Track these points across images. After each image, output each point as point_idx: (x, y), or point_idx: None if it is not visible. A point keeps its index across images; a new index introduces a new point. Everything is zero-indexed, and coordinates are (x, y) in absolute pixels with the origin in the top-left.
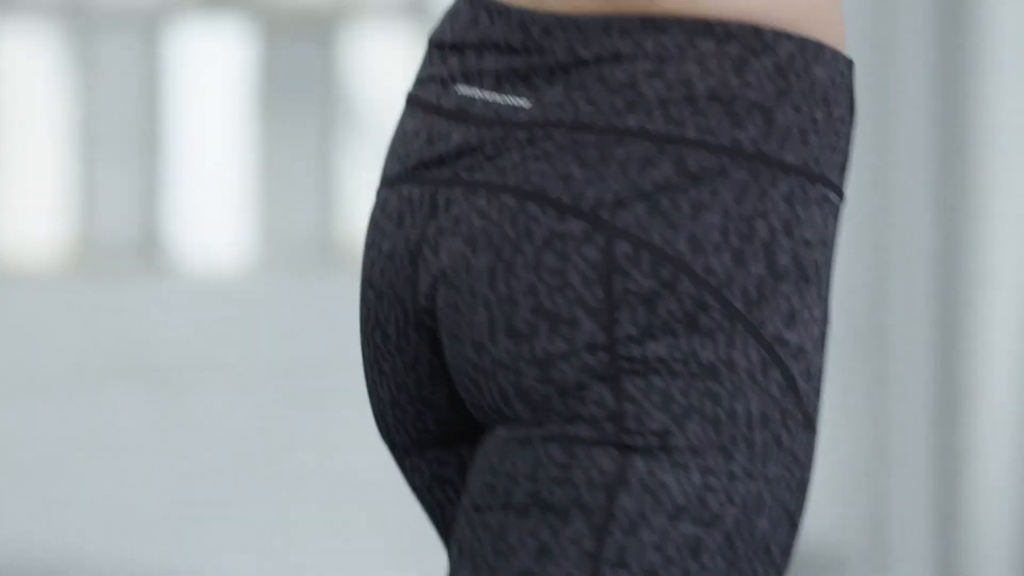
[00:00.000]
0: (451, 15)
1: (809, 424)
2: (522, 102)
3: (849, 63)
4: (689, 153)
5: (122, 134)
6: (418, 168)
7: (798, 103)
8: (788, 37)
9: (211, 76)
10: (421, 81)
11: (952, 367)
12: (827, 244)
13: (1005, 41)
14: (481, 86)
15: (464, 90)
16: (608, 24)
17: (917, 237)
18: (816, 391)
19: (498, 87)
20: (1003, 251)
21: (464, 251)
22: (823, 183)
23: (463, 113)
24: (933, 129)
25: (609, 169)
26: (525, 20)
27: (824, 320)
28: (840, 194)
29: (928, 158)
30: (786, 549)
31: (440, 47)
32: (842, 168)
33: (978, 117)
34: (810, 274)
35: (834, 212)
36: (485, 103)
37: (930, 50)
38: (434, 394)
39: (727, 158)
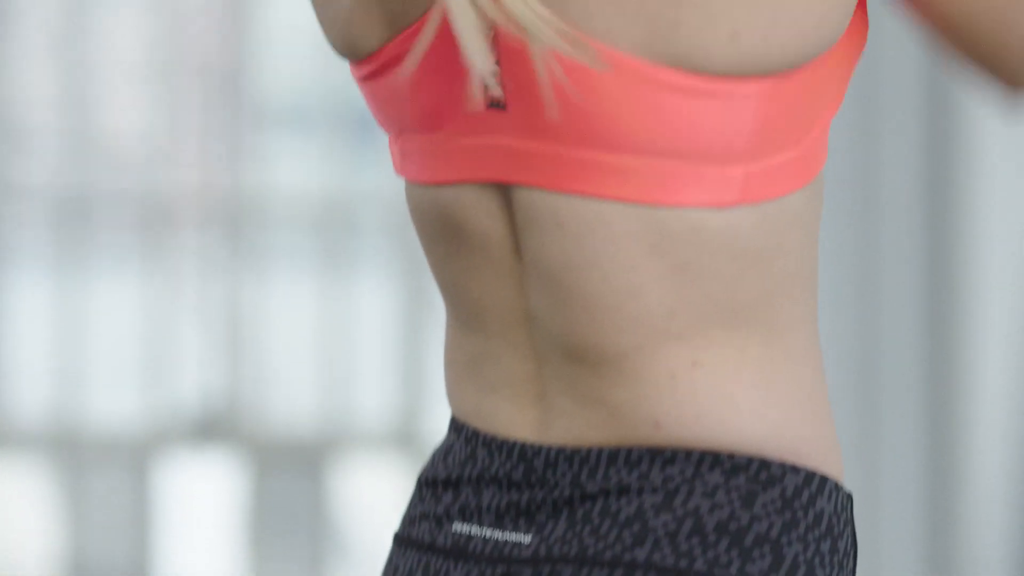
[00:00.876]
0: (443, 453)
1: None
2: (524, 538)
3: (849, 497)
4: None
5: (112, 567)
6: None
7: (805, 536)
8: (794, 470)
9: (201, 508)
10: (412, 520)
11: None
12: None
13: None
14: (480, 523)
15: (461, 527)
16: (614, 456)
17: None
18: None
19: (498, 523)
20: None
21: None
22: None
23: (461, 551)
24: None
25: None
26: (527, 453)
27: None
28: None
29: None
30: None
31: (432, 485)
32: None
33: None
34: None
35: None
36: (484, 540)
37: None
38: None
39: None
